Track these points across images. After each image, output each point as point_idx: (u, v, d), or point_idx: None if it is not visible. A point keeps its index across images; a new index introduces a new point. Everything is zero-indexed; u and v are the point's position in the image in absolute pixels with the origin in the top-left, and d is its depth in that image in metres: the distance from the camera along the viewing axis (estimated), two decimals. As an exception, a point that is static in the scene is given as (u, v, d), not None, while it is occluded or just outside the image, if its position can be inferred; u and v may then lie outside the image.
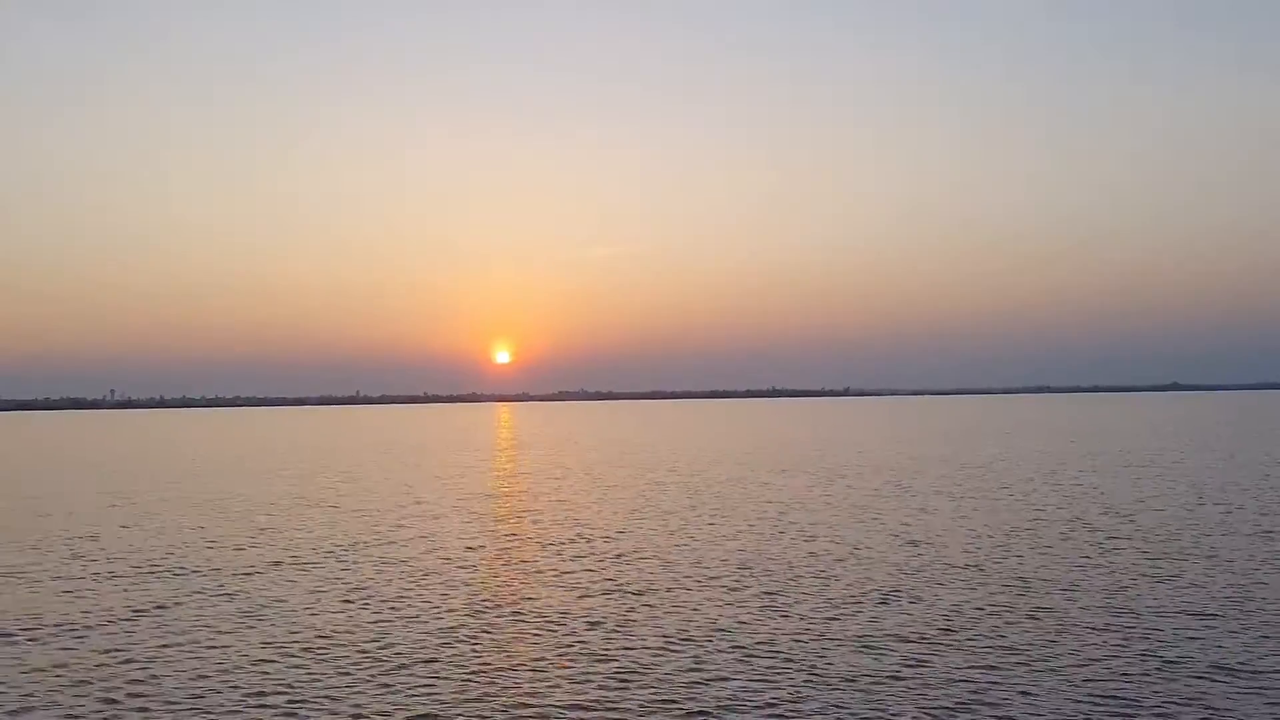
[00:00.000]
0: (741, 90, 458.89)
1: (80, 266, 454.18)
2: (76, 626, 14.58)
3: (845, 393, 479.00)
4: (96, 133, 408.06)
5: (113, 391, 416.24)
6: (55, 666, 12.41)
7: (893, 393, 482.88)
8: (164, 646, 13.24)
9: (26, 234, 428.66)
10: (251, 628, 14.33)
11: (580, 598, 15.87)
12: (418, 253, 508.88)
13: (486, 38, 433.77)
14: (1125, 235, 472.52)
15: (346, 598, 16.22)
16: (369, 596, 16.34)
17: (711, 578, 17.55)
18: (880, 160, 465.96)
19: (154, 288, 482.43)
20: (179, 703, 10.89)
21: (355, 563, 19.64)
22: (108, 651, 13.14)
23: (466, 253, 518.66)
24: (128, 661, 12.68)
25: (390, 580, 17.67)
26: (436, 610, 15.20)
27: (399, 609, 15.31)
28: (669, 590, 16.44)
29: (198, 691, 11.25)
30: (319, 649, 13.06)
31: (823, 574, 17.57)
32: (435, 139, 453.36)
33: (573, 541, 22.06)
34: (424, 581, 17.51)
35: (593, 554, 20.27)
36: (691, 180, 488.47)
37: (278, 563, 19.97)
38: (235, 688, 11.37)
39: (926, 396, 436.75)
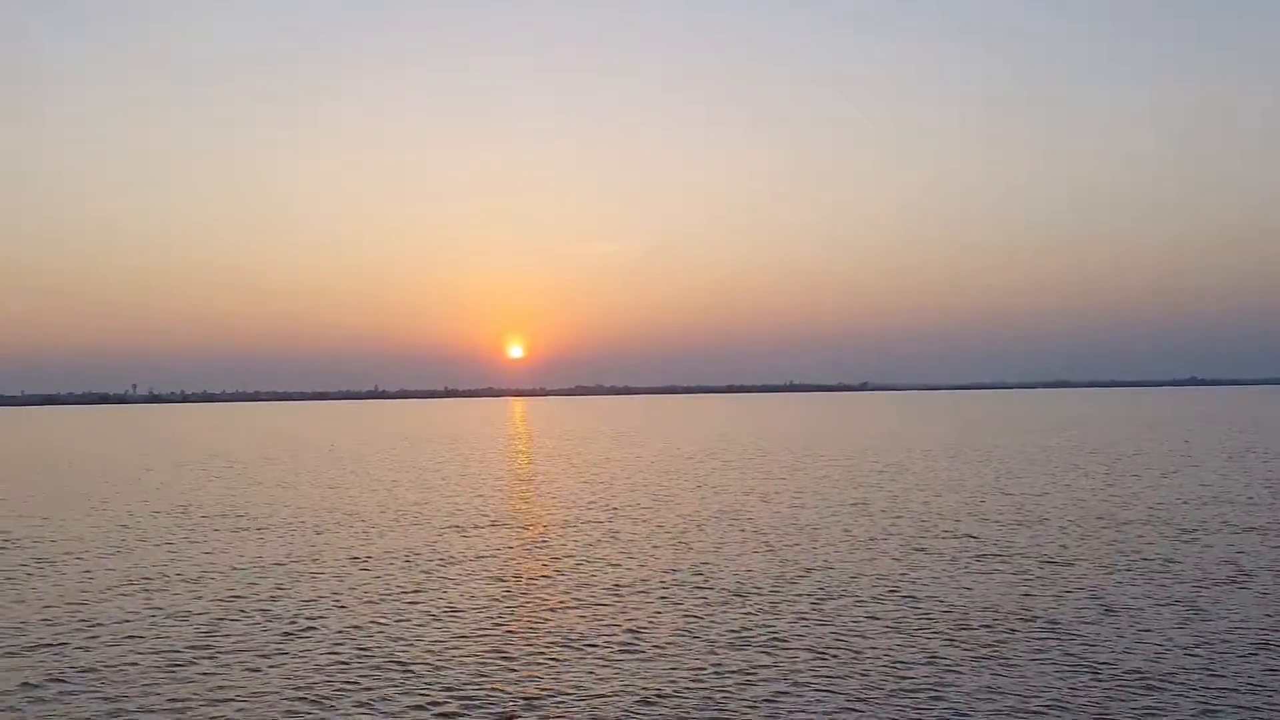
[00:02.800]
0: (745, 80, 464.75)
1: (104, 263, 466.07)
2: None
3: (863, 387, 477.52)
4: (112, 130, 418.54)
5: (134, 386, 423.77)
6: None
7: (909, 388, 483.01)
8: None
9: (49, 232, 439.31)
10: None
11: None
12: (430, 249, 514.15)
13: (491, 35, 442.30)
14: (1146, 227, 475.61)
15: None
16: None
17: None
18: (891, 149, 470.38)
19: (174, 284, 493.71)
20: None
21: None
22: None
23: (476, 249, 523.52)
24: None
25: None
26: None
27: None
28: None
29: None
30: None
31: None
32: (440, 136, 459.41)
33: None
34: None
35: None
36: (696, 173, 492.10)
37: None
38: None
39: (943, 392, 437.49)
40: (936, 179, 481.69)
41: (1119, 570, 17.54)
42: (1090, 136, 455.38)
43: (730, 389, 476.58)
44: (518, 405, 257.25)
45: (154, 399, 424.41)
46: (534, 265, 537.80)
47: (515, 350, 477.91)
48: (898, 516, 25.06)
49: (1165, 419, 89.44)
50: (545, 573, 18.07)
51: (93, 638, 13.82)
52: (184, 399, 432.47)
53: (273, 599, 16.31)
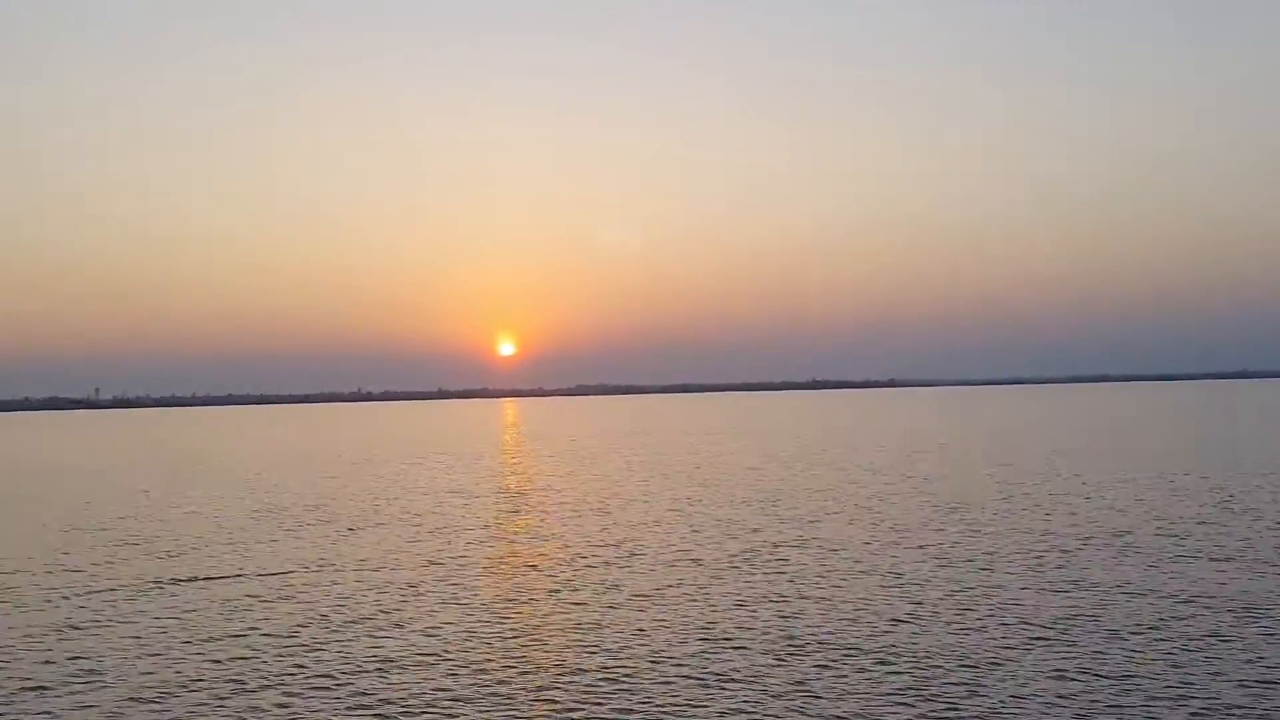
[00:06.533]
0: (754, 65, 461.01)
1: (61, 259, 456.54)
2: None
3: (890, 384, 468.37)
4: (76, 115, 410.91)
5: (98, 390, 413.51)
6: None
7: (940, 383, 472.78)
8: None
9: (11, 227, 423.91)
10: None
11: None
12: (415, 240, 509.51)
13: (491, 20, 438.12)
14: (1192, 212, 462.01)
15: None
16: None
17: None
18: (921, 135, 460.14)
19: (137, 278, 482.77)
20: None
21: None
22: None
23: (466, 239, 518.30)
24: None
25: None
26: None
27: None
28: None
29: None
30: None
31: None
32: (434, 122, 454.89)
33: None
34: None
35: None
36: (705, 159, 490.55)
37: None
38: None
39: (976, 387, 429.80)
40: (968, 165, 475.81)
41: None
42: (1132, 120, 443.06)
43: (747, 387, 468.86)
44: (519, 407, 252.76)
45: (120, 404, 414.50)
46: (531, 254, 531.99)
47: (506, 347, 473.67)
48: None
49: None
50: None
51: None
52: (153, 403, 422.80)
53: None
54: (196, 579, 20.04)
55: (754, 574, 18.93)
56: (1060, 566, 18.94)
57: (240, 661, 13.79)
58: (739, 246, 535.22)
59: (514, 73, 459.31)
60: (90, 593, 18.86)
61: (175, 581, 19.84)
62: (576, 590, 18.01)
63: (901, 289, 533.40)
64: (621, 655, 13.62)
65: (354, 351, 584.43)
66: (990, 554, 20.44)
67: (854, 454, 50.09)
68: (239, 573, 20.67)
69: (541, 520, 27.71)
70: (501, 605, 16.96)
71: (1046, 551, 20.59)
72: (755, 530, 24.39)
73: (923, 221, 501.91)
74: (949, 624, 14.72)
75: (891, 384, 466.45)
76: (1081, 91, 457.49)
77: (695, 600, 16.78)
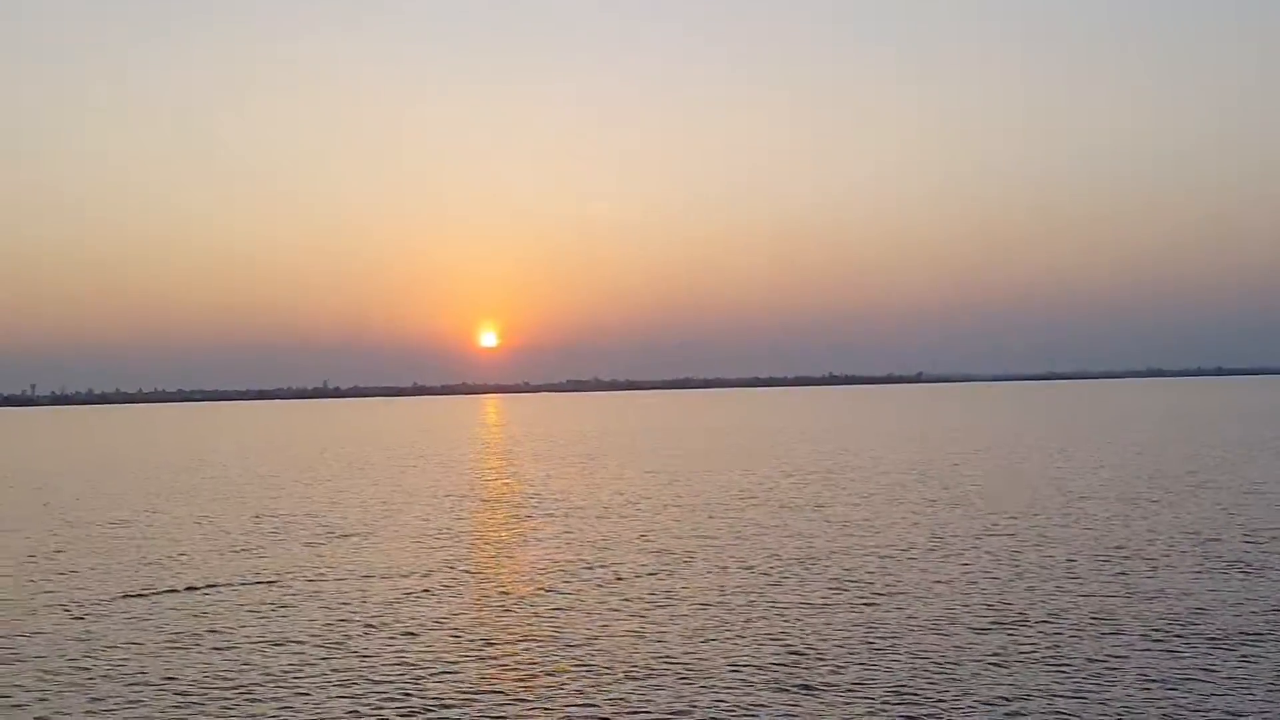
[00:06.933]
0: (758, 27, 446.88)
1: None
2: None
3: (918, 378, 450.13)
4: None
5: (34, 386, 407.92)
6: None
7: (971, 378, 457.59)
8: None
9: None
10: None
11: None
12: (387, 219, 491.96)
13: None
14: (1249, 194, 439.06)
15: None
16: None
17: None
18: (948, 101, 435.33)
19: (74, 258, 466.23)
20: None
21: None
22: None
23: (444, 218, 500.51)
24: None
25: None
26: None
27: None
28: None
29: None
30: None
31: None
32: (407, 90, 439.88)
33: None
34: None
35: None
36: (706, 123, 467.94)
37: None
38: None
39: (1013, 383, 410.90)
40: (1002, 136, 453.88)
41: None
42: (1187, 86, 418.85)
43: (757, 382, 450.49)
44: (502, 404, 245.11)
45: (60, 400, 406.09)
46: (517, 234, 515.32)
47: (488, 338, 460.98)
48: None
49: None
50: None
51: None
52: (96, 399, 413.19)
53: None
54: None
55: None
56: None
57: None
58: (745, 227, 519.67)
59: (497, 40, 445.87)
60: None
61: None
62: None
63: (929, 273, 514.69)
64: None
65: (319, 342, 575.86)
66: None
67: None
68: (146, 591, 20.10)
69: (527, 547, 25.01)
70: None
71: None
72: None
73: (942, 201, 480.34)
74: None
75: (919, 378, 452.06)
76: (1122, 58, 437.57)
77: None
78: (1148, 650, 13.59)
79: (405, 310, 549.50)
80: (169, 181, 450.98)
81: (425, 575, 20.38)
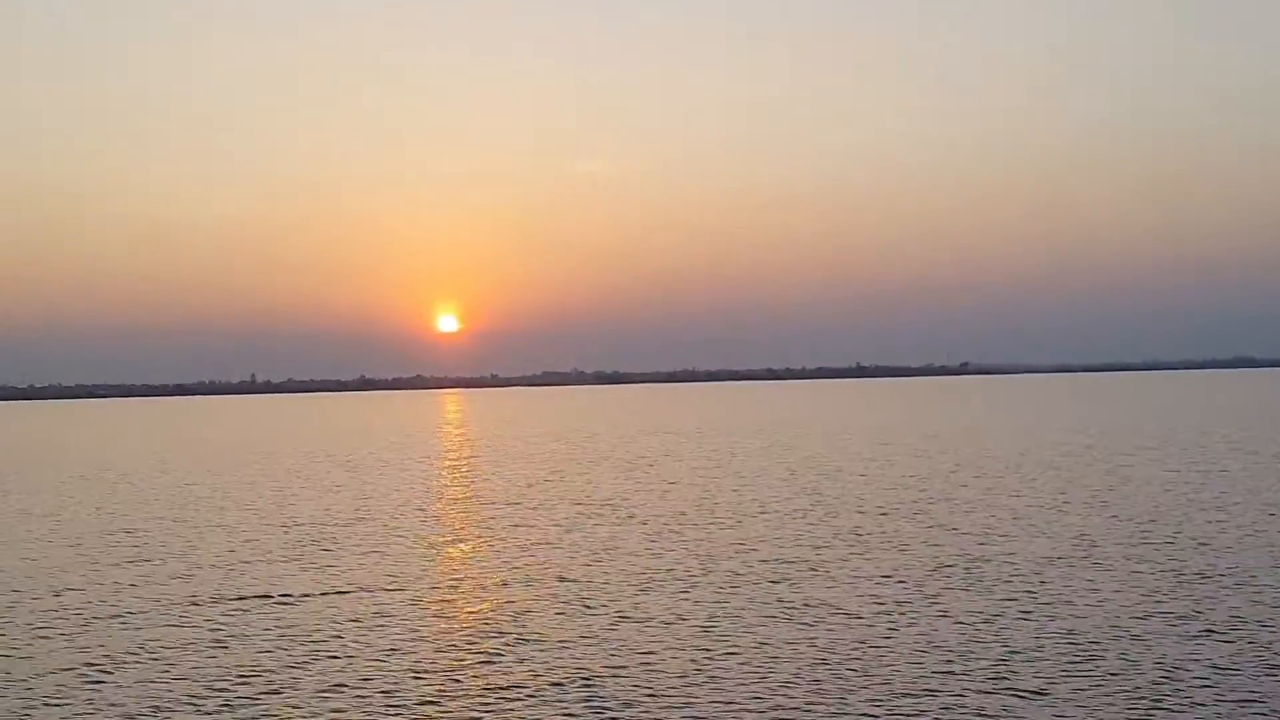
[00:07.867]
0: None
1: None
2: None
3: (963, 369, 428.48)
4: None
5: None
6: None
7: (1024, 369, 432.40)
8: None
9: None
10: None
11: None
12: (333, 178, 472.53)
13: None
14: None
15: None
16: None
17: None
18: (958, 61, 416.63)
19: None
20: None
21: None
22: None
23: (400, 178, 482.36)
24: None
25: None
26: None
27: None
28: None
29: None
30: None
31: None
32: (356, 36, 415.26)
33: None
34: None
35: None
36: (700, 77, 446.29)
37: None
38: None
39: (1075, 374, 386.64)
40: (1010, 94, 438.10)
41: None
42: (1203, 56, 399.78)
43: (771, 374, 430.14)
44: (464, 400, 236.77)
45: None
46: (482, 200, 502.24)
47: (446, 321, 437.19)
48: None
49: None
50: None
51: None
52: None
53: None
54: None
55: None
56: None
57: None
58: (746, 191, 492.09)
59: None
60: None
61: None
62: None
63: (967, 246, 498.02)
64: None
65: (245, 327, 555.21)
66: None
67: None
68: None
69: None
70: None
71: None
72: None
73: (986, 155, 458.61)
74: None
75: (964, 369, 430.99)
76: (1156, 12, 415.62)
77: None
78: None
79: (349, 289, 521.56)
80: (82, 145, 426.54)
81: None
